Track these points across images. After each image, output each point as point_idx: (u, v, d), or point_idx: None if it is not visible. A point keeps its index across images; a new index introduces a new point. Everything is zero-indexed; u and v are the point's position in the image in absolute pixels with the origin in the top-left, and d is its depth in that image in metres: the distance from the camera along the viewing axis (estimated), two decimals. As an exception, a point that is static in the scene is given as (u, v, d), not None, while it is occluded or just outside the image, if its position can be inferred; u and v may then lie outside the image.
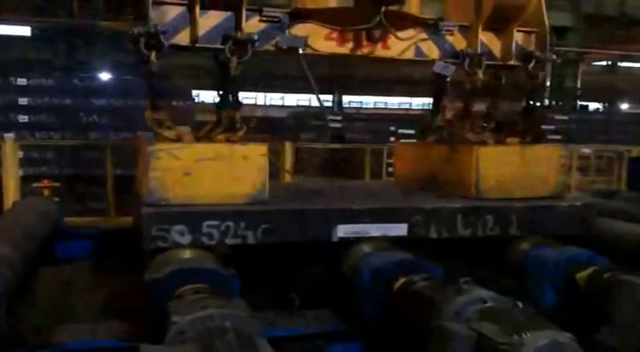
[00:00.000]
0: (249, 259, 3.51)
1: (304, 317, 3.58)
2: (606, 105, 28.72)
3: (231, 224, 3.40)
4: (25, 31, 20.88)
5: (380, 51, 4.20)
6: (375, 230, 3.69)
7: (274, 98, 29.40)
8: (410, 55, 4.27)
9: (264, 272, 3.74)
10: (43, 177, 7.30)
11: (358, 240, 3.69)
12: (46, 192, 6.96)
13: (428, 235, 3.81)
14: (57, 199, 6.38)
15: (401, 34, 4.16)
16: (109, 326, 3.34)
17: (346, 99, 28.66)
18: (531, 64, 4.35)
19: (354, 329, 3.44)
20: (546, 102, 19.78)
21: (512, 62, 4.44)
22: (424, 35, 4.27)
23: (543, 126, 12.15)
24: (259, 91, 27.57)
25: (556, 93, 21.03)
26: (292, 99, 27.92)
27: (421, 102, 26.66)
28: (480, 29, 4.31)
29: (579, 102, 22.93)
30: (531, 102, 4.53)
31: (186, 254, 3.35)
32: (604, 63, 28.90)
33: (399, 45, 4.22)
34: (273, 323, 3.43)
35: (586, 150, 9.70)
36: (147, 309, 3.02)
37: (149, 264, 3.26)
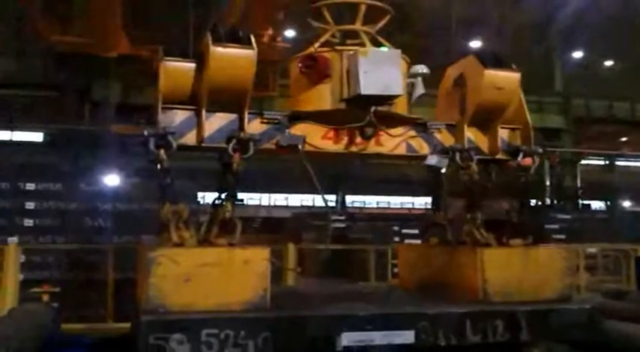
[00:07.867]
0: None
1: None
2: (608, 203, 28.79)
3: (230, 332, 3.30)
4: (37, 136, 21.61)
5: (373, 147, 4.41)
6: (380, 338, 3.57)
7: (278, 199, 29.64)
8: (402, 150, 4.48)
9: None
10: (44, 281, 7.21)
11: (364, 349, 3.56)
12: (45, 298, 6.83)
13: (436, 342, 3.68)
14: (56, 304, 6.26)
15: (392, 131, 4.38)
16: None
17: (349, 199, 28.88)
18: (519, 157, 4.50)
19: None
20: (547, 201, 19.90)
21: (500, 156, 4.61)
22: (414, 133, 4.49)
23: (547, 226, 12.16)
24: (264, 192, 27.85)
25: (556, 192, 21.22)
26: (296, 200, 28.14)
27: (423, 202, 26.80)
28: (465, 126, 4.53)
29: (581, 201, 23.02)
30: (531, 202, 4.57)
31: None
32: (601, 162, 29.41)
33: (391, 141, 4.42)
34: None
35: (592, 250, 9.59)
36: None
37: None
